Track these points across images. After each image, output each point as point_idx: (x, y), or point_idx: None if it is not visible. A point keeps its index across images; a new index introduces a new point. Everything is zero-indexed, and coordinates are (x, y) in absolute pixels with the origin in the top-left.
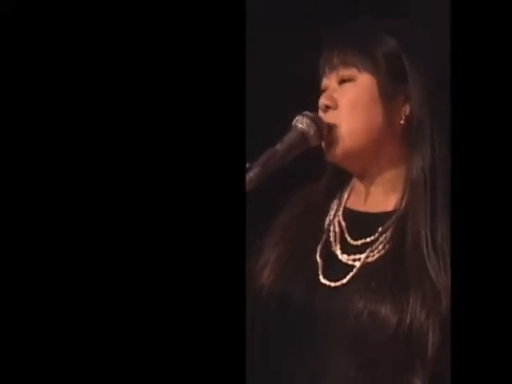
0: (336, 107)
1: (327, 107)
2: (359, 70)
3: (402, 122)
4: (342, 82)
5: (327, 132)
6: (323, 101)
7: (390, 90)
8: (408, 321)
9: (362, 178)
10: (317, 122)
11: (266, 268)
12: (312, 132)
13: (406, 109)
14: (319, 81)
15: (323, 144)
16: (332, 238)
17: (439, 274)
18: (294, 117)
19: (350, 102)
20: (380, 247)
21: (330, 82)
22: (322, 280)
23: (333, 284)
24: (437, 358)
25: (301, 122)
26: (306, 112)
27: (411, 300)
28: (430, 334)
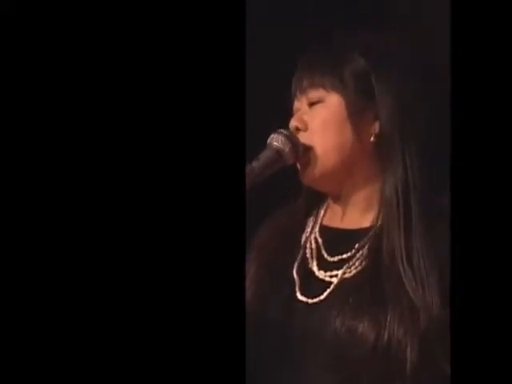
0: (306, 129)
1: (297, 129)
2: (327, 91)
3: (372, 139)
4: (312, 104)
5: (302, 152)
6: (293, 123)
7: (358, 109)
8: (386, 337)
9: (337, 198)
10: (292, 139)
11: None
12: (287, 149)
13: (376, 126)
14: (292, 103)
15: (298, 166)
16: (309, 255)
17: (416, 290)
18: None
19: (320, 124)
20: (357, 263)
21: (300, 104)
22: (300, 297)
23: (310, 300)
24: (415, 374)
25: (276, 140)
26: (281, 130)
27: (389, 316)
28: (409, 350)
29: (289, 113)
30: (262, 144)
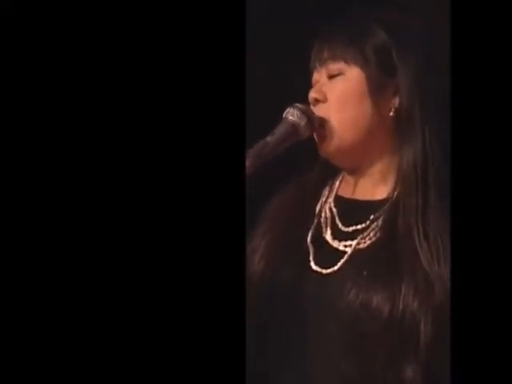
0: (325, 100)
1: (316, 101)
2: (348, 64)
3: (391, 114)
4: (332, 76)
5: (318, 125)
6: (312, 94)
7: (379, 83)
8: (400, 310)
9: (353, 170)
10: (307, 113)
11: (255, 254)
12: (303, 123)
13: (396, 101)
14: (310, 75)
15: (316, 138)
16: (323, 224)
17: (432, 263)
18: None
19: (339, 96)
20: (371, 234)
21: (319, 76)
22: (314, 267)
23: (324, 271)
24: (429, 347)
25: (291, 114)
26: (297, 104)
27: (403, 289)
28: (423, 323)
29: (289, 98)
30: (262, 132)
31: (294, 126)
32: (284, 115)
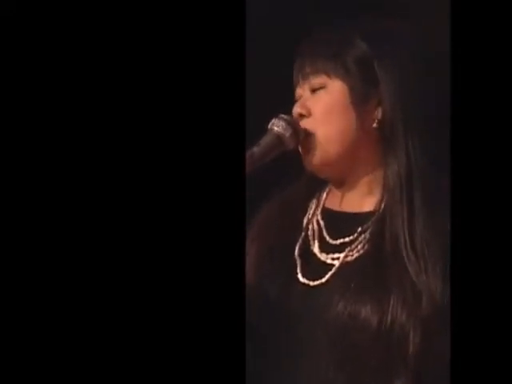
0: (309, 115)
1: (301, 115)
2: (330, 77)
3: (375, 125)
4: (314, 90)
5: (304, 137)
6: (296, 110)
7: (361, 95)
8: (389, 321)
9: (339, 183)
10: (293, 124)
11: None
12: (288, 135)
13: (379, 112)
14: (293, 90)
15: (301, 151)
16: (310, 237)
17: (420, 274)
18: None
19: (323, 110)
20: (359, 247)
21: (302, 90)
22: (301, 279)
23: (312, 283)
24: (418, 359)
25: (276, 125)
26: (282, 115)
27: (392, 301)
28: (411, 334)
29: (289, 99)
30: (262, 131)
31: (278, 137)
32: (269, 126)
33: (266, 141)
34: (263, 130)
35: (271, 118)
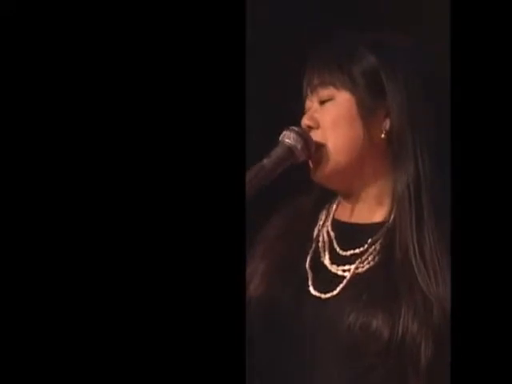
0: (318, 127)
1: (309, 127)
2: (337, 89)
3: (383, 136)
4: (323, 102)
5: (314, 149)
6: (305, 121)
7: (369, 106)
8: (400, 333)
9: (348, 194)
10: (304, 136)
11: (253, 280)
12: (299, 147)
13: (387, 123)
14: (303, 102)
15: (310, 164)
16: (321, 248)
17: (430, 284)
18: (296, 119)
19: (331, 121)
20: (370, 258)
21: (311, 102)
22: (313, 291)
23: (323, 296)
24: (430, 370)
25: (288, 137)
26: (293, 127)
27: (403, 312)
28: (423, 345)
29: (290, 99)
30: (263, 147)
31: (290, 149)
32: (280, 138)
33: (277, 153)
34: (263, 129)
35: (271, 118)
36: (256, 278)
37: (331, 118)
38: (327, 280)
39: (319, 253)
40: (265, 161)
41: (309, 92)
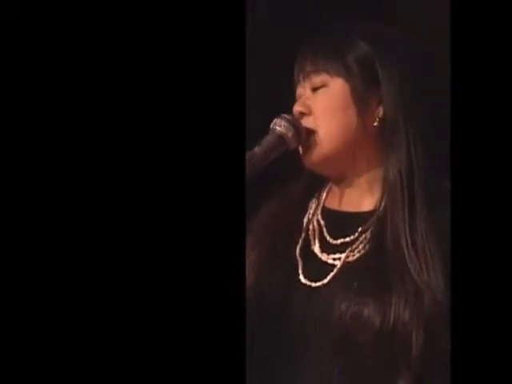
0: (310, 113)
1: (302, 114)
2: (331, 76)
3: (375, 124)
4: (315, 88)
5: (305, 136)
6: (297, 108)
7: (362, 94)
8: (391, 321)
9: (339, 181)
10: (295, 124)
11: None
12: (290, 134)
13: (380, 111)
14: (294, 89)
15: (300, 149)
16: (311, 236)
17: (421, 273)
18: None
19: (323, 108)
20: (360, 247)
21: (303, 89)
22: (303, 280)
23: (313, 284)
24: (421, 358)
25: (279, 125)
26: (284, 115)
27: (394, 300)
28: (414, 333)
29: (290, 99)
30: (262, 131)
31: (281, 137)
32: (271, 126)
33: (268, 141)
34: (263, 129)
35: (271, 118)
36: (247, 266)
37: (324, 105)
38: (317, 268)
39: (309, 241)
40: (256, 149)
41: (301, 78)
